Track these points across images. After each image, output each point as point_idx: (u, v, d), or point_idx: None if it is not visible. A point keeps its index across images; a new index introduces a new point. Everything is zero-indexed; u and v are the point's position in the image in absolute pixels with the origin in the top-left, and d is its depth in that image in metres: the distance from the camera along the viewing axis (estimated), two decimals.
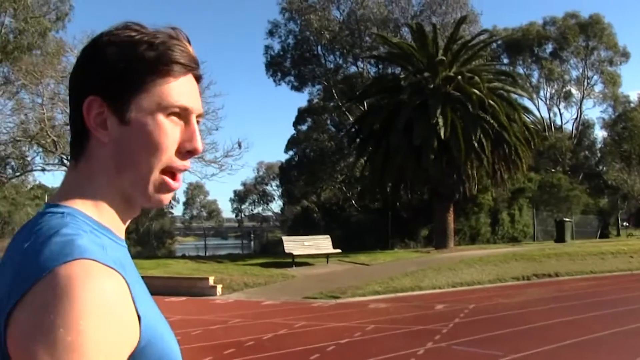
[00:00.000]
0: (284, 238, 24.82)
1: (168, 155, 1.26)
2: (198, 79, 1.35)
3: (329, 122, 46.66)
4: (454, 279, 20.13)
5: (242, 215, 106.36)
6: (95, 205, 1.25)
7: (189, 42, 1.33)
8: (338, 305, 15.87)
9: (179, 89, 1.27)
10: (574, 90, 62.11)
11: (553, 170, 54.68)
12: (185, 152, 1.29)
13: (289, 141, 48.80)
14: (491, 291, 18.33)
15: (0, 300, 1.07)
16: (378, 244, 33.85)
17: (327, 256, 24.13)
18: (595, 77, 61.17)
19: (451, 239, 30.23)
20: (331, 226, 40.33)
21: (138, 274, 1.25)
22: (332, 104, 44.43)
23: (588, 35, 58.04)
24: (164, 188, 1.29)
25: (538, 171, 50.12)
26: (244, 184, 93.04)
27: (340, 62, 44.92)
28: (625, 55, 60.77)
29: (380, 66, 40.80)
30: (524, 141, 29.21)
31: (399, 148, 26.75)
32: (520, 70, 61.28)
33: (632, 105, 60.68)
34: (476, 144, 26.30)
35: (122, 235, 1.31)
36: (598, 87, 62.10)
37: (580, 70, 60.91)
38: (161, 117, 1.24)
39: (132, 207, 1.32)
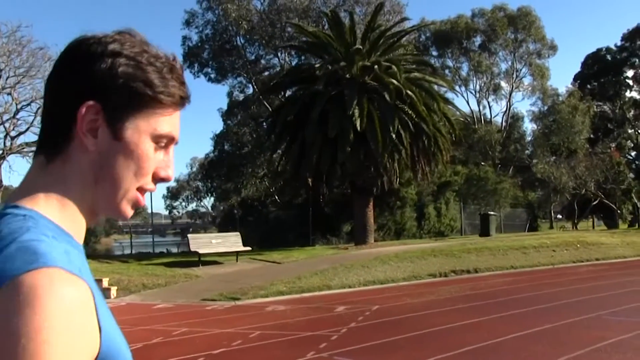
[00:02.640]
0: (190, 236, 23.59)
1: (147, 178, 1.26)
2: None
3: (242, 115, 45.28)
4: (366, 277, 19.18)
5: (176, 212, 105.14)
6: (60, 210, 1.20)
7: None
8: (234, 308, 14.88)
9: (172, 120, 1.28)
10: (503, 83, 62.11)
11: (483, 163, 54.40)
12: (159, 178, 1.29)
13: (216, 136, 47.31)
14: (403, 289, 17.50)
15: None
16: (298, 241, 32.73)
17: (236, 254, 22.88)
18: (524, 69, 61.40)
19: (371, 234, 29.20)
20: (251, 223, 39.26)
21: (94, 282, 1.15)
22: (253, 96, 43.05)
23: (517, 27, 58.10)
24: (135, 204, 1.29)
25: (467, 164, 49.71)
26: (177, 180, 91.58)
27: (261, 53, 43.64)
28: (553, 48, 61.04)
29: (303, 58, 39.47)
30: (444, 133, 28.29)
31: (315, 141, 25.60)
32: (450, 62, 61.09)
33: (560, 98, 60.72)
34: (394, 136, 25.27)
35: (81, 242, 1.26)
36: (527, 80, 62.27)
37: (509, 62, 60.95)
38: (151, 143, 1.25)
39: (95, 216, 1.29)
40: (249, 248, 23.48)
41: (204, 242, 22.83)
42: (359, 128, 24.68)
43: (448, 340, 10.26)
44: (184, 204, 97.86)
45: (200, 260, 21.81)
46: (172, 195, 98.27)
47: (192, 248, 22.13)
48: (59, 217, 1.19)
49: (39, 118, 27.23)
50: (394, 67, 26.06)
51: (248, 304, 15.45)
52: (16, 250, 1.05)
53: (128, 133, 1.22)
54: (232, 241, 23.34)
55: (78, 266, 1.09)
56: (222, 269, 21.58)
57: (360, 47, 27.34)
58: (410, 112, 26.14)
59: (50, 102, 1.25)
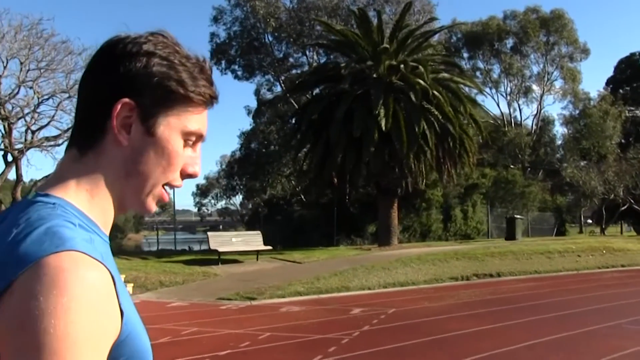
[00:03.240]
0: (209, 234, 23.36)
1: (175, 174, 1.33)
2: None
3: (271, 114, 44.94)
4: (386, 279, 18.91)
5: (205, 210, 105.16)
6: (89, 200, 1.26)
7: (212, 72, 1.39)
8: (249, 308, 14.67)
9: (201, 118, 1.34)
10: (534, 87, 61.32)
11: (512, 166, 53.81)
12: (187, 174, 1.35)
13: (243, 134, 47.12)
14: (423, 292, 17.21)
15: None
16: (322, 241, 32.44)
17: (257, 253, 22.70)
18: (556, 72, 60.38)
19: (395, 235, 28.89)
20: (277, 222, 39.07)
21: (117, 271, 1.21)
22: (280, 95, 42.77)
23: (549, 30, 57.23)
24: (160, 199, 1.34)
25: (495, 167, 49.18)
26: (206, 178, 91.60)
27: (289, 51, 43.38)
28: (585, 51, 60.05)
29: (331, 56, 39.12)
30: (471, 134, 27.92)
31: (339, 140, 25.32)
32: (480, 64, 60.50)
33: (592, 102, 59.92)
34: (420, 136, 24.94)
35: (107, 232, 1.32)
36: (558, 83, 61.35)
37: (541, 65, 60.12)
38: (181, 141, 1.31)
39: (122, 209, 1.34)
40: (269, 247, 23.26)
41: (224, 241, 22.63)
42: (384, 128, 24.40)
43: (460, 347, 9.99)
44: (213, 201, 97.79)
45: (219, 258, 21.63)
46: (202, 192, 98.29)
47: (212, 246, 21.96)
48: (87, 207, 1.25)
49: (60, 112, 27.33)
50: (420, 67, 25.74)
51: (263, 304, 15.25)
52: (43, 235, 1.10)
53: (160, 129, 1.28)
54: (252, 240, 23.16)
55: (101, 253, 1.14)
56: (242, 267, 21.41)
57: (387, 46, 27.01)
58: (436, 112, 25.81)
59: (85, 98, 1.31)
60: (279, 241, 34.41)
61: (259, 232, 24.12)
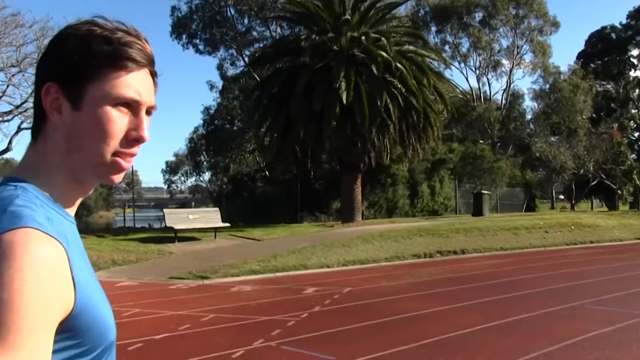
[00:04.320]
0: (165, 211, 22.62)
1: (115, 141, 1.34)
2: (153, 75, 1.43)
3: (236, 89, 43.86)
4: (346, 256, 18.36)
5: (175, 187, 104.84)
6: (47, 181, 1.34)
7: (147, 42, 1.42)
8: (199, 288, 14.08)
9: (129, 83, 1.35)
10: (504, 61, 60.93)
11: (481, 141, 53.47)
12: (132, 139, 1.37)
13: (206, 109, 46.14)
14: (382, 270, 16.72)
15: None
16: (285, 218, 31.75)
17: (215, 230, 22.02)
18: (526, 46, 60.19)
19: (359, 212, 28.26)
20: (241, 199, 38.43)
21: (83, 249, 1.34)
22: (243, 69, 41.76)
23: (519, 3, 56.77)
24: (115, 168, 1.37)
25: (464, 142, 48.76)
26: (175, 155, 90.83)
27: (252, 24, 42.43)
28: (556, 24, 59.85)
29: (295, 30, 38.20)
30: (435, 108, 27.27)
31: (299, 114, 24.58)
32: (449, 38, 60.00)
33: (562, 76, 59.61)
34: (382, 110, 24.27)
35: (72, 212, 1.40)
36: (528, 57, 61.02)
37: (510, 39, 59.69)
38: (109, 107, 1.33)
39: (83, 186, 1.41)
40: (227, 224, 22.58)
41: (181, 218, 21.96)
42: (345, 101, 23.71)
43: (411, 330, 9.39)
44: (182, 178, 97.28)
45: (176, 236, 20.94)
46: (171, 169, 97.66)
47: (168, 224, 21.29)
48: (47, 187, 1.33)
49: (10, 88, 26.35)
50: (383, 39, 25.03)
51: (215, 283, 14.68)
52: (2, 213, 1.18)
53: (85, 101, 1.32)
54: (210, 217, 22.48)
55: (58, 230, 1.21)
56: (199, 245, 20.75)
57: (349, 17, 26.29)
58: (399, 85, 25.15)
59: (35, 91, 1.40)
60: (242, 218, 33.79)
61: (217, 209, 23.48)
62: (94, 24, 1.36)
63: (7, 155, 32.54)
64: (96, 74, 1.32)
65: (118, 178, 1.40)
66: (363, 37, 25.36)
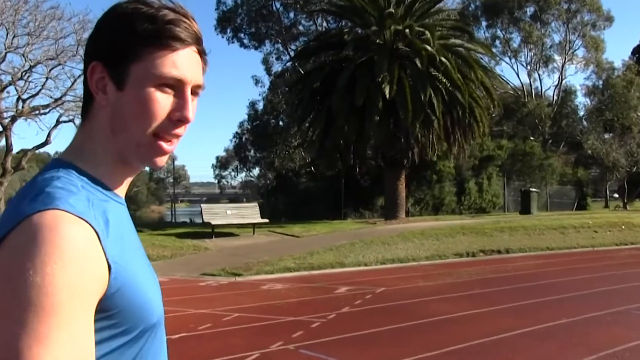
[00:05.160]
0: (203, 206, 22.42)
1: (158, 122, 1.34)
2: (201, 53, 1.41)
3: (281, 83, 43.32)
4: (385, 254, 17.94)
5: (225, 182, 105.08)
6: (93, 162, 1.36)
7: (194, 20, 1.40)
8: (229, 285, 13.85)
9: (174, 62, 1.33)
10: (556, 56, 59.64)
11: (532, 138, 52.39)
12: (176, 120, 1.36)
13: (251, 104, 45.86)
14: (421, 270, 16.22)
15: None
16: (329, 214, 31.31)
17: (253, 226, 21.70)
18: (578, 41, 58.66)
19: (402, 208, 27.67)
20: (285, 194, 38.12)
21: (131, 229, 1.37)
22: (288, 63, 41.42)
23: None
24: (158, 151, 1.37)
25: (514, 139, 47.80)
26: (226, 150, 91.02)
27: (299, 18, 42.02)
28: (609, 19, 58.29)
29: (341, 23, 37.68)
30: (481, 103, 26.54)
31: (341, 109, 24.06)
32: (500, 34, 58.95)
33: (616, 72, 58.13)
34: (426, 105, 23.66)
35: (122, 192, 1.42)
36: (580, 53, 59.58)
37: (562, 34, 58.38)
38: (153, 87, 1.32)
39: (130, 167, 1.42)
40: (266, 220, 22.23)
41: (219, 213, 21.72)
42: (387, 96, 23.12)
43: (440, 334, 8.91)
44: (233, 173, 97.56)
45: (213, 232, 20.68)
46: (221, 165, 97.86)
47: (205, 219, 21.08)
48: (92, 168, 1.34)
49: (50, 81, 26.29)
50: (427, 32, 24.40)
51: (247, 280, 14.43)
52: (39, 195, 1.19)
53: (128, 82, 1.32)
54: (248, 212, 22.25)
55: (98, 212, 1.22)
56: (235, 241, 20.47)
57: (392, 10, 25.64)
58: (444, 80, 24.48)
59: (83, 73, 1.40)
60: (285, 214, 33.46)
61: (255, 204, 23.35)
62: (140, 2, 1.35)
63: (45, 149, 32.49)
64: (140, 54, 1.31)
65: (161, 161, 1.39)
66: (407, 30, 24.75)
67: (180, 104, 1.35)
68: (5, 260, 1.10)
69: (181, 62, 1.34)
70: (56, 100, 25.73)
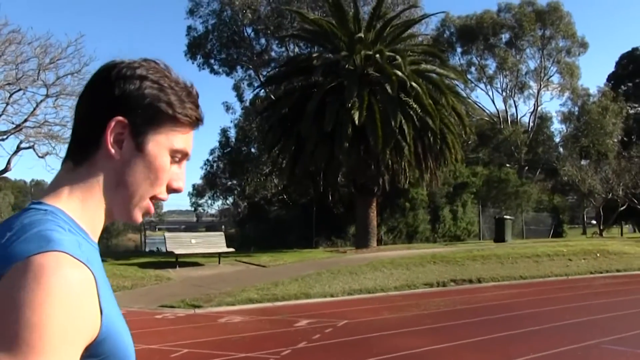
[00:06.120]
0: (167, 235, 21.88)
1: (161, 188, 1.41)
2: None
3: (252, 110, 42.79)
4: (352, 285, 17.28)
5: (201, 210, 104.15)
6: (80, 207, 1.34)
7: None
8: (187, 318, 13.19)
9: (187, 138, 1.44)
10: (531, 83, 59.67)
11: (508, 165, 52.23)
12: (172, 189, 1.44)
13: (221, 131, 45.25)
14: (388, 301, 15.61)
15: None
16: (300, 242, 30.70)
17: (219, 256, 21.09)
18: (553, 68, 58.76)
19: (374, 237, 27.15)
20: (256, 223, 37.54)
21: (105, 276, 1.31)
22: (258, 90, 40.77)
23: (545, 23, 55.58)
24: (145, 211, 1.42)
25: (489, 165, 47.56)
26: (203, 178, 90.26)
27: (269, 44, 41.64)
28: (584, 45, 58.42)
29: (314, 49, 37.29)
30: (453, 129, 26.13)
31: (310, 135, 23.59)
32: (475, 60, 58.96)
33: (592, 99, 58.19)
34: (397, 131, 23.22)
35: (96, 239, 1.39)
36: (556, 79, 59.66)
37: (538, 60, 58.45)
38: (168, 157, 1.40)
39: (110, 217, 1.42)
40: (232, 249, 21.66)
41: (183, 242, 21.11)
42: (357, 122, 22.69)
43: None
44: (209, 201, 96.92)
45: (177, 261, 20.04)
46: (197, 193, 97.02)
47: (169, 248, 20.50)
48: (78, 214, 1.33)
49: (14, 106, 25.59)
50: (398, 57, 24.02)
51: (206, 312, 13.76)
52: (33, 236, 1.17)
53: (149, 146, 1.37)
54: (214, 241, 21.65)
55: (87, 257, 1.20)
56: (200, 271, 19.84)
57: (362, 35, 25.29)
58: (415, 105, 24.10)
59: (82, 115, 1.41)
60: (256, 242, 32.81)
61: (221, 233, 22.75)
62: (161, 72, 1.41)
63: (6, 175, 31.66)
64: (166, 125, 1.37)
65: (140, 219, 1.42)
66: (377, 55, 24.38)
67: (179, 175, 1.43)
68: (1, 299, 1.08)
69: (190, 139, 1.44)
70: (17, 126, 25.03)
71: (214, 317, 13.21)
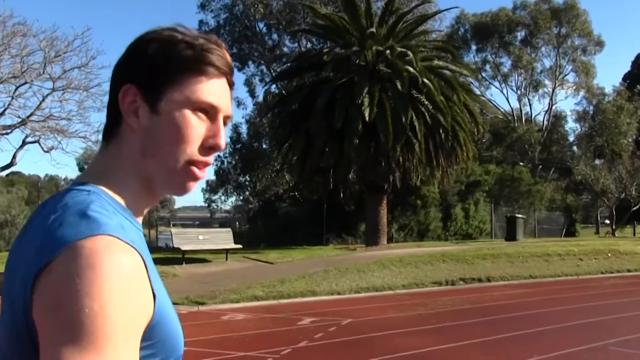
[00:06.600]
0: (173, 231, 21.72)
1: (192, 148, 1.32)
2: (231, 85, 1.41)
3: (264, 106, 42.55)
4: (359, 282, 17.13)
5: (215, 206, 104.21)
6: (119, 187, 1.31)
7: (227, 50, 1.40)
8: (190, 315, 13.04)
9: (210, 89, 1.33)
10: (546, 81, 59.31)
11: (521, 163, 51.90)
12: (208, 147, 1.34)
13: (233, 127, 45.07)
14: (394, 300, 15.46)
15: (27, 266, 1.13)
16: (310, 239, 30.49)
17: (226, 252, 20.94)
18: (568, 66, 58.36)
19: (384, 234, 26.89)
20: (266, 219, 37.39)
21: (151, 258, 1.28)
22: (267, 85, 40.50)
23: (561, 21, 55.20)
24: (190, 176, 1.34)
25: (503, 164, 47.27)
26: (216, 173, 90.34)
27: (282, 39, 41.43)
28: (600, 44, 58.07)
29: (326, 45, 37.00)
30: (465, 126, 25.85)
31: (319, 132, 23.38)
32: (490, 58, 58.63)
33: (607, 98, 57.73)
34: (407, 127, 22.98)
35: (140, 220, 1.37)
36: (571, 78, 59.28)
37: (553, 59, 58.05)
38: (189, 112, 1.31)
39: (153, 194, 1.39)
40: (239, 246, 21.45)
41: (189, 238, 20.90)
42: (367, 118, 22.44)
43: None
44: (223, 197, 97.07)
45: (184, 257, 19.90)
46: (211, 189, 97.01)
47: (175, 244, 20.28)
48: (118, 194, 1.30)
49: (19, 100, 25.51)
50: (410, 53, 23.77)
51: (210, 310, 13.65)
52: (80, 219, 1.14)
53: (165, 106, 1.30)
54: (221, 237, 21.44)
55: (132, 239, 1.17)
56: (206, 268, 19.68)
57: (374, 30, 25.02)
58: (426, 102, 23.84)
59: (109, 95, 1.38)
60: (266, 239, 32.64)
61: (229, 229, 22.49)
62: (175, 30, 1.35)
63: (19, 170, 31.60)
64: (178, 78, 1.30)
65: (191, 187, 1.36)
66: (388, 51, 24.13)
67: (213, 131, 1.34)
68: (56, 287, 1.06)
69: (216, 90, 1.34)
70: (22, 120, 24.92)
71: (217, 314, 13.09)
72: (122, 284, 1.07)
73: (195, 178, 1.34)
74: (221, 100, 1.35)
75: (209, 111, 1.33)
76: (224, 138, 1.35)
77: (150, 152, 1.31)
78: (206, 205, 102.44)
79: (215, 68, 1.34)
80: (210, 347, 9.82)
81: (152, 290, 1.16)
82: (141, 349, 1.13)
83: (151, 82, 1.31)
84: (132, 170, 1.32)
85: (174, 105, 1.30)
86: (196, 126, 1.31)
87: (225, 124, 1.38)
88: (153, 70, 1.31)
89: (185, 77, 1.31)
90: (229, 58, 1.38)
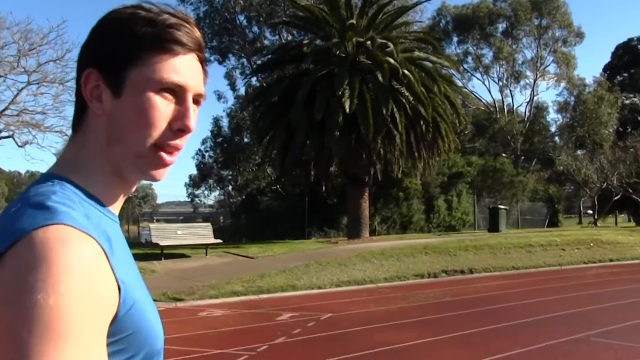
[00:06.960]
0: (151, 226, 21.58)
1: (158, 130, 1.26)
2: (202, 61, 1.33)
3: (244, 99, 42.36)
4: (340, 276, 16.93)
5: (198, 201, 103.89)
6: (87, 176, 1.26)
7: (196, 26, 1.33)
8: (167, 312, 12.74)
9: (174, 67, 1.26)
10: (528, 72, 59.48)
11: (504, 154, 51.98)
12: (177, 129, 1.28)
13: (214, 120, 44.76)
14: (376, 293, 15.30)
15: None
16: (292, 233, 30.32)
17: (206, 247, 20.72)
18: (549, 57, 58.58)
19: (366, 227, 26.74)
20: (248, 213, 37.19)
21: (127, 248, 1.26)
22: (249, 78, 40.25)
23: (541, 12, 55.29)
24: (158, 163, 1.28)
25: (484, 155, 47.31)
26: (198, 167, 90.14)
27: (263, 32, 41.23)
28: (580, 35, 58.34)
29: (307, 37, 36.78)
30: (446, 118, 25.71)
31: (300, 124, 23.19)
32: (471, 49, 58.70)
33: (587, 89, 57.97)
34: (388, 119, 22.82)
35: (116, 210, 1.33)
36: (552, 69, 59.46)
37: (534, 50, 58.22)
38: (152, 93, 1.24)
39: (126, 182, 1.33)
40: (219, 240, 21.23)
41: (168, 233, 20.69)
42: (348, 110, 22.26)
43: None
44: (206, 192, 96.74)
45: (162, 253, 19.65)
46: (194, 183, 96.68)
47: (154, 240, 20.05)
48: (87, 182, 1.24)
49: None
50: (390, 44, 23.59)
51: (187, 306, 13.40)
52: (36, 209, 1.09)
53: (126, 88, 1.23)
54: (200, 232, 21.19)
55: (99, 229, 1.12)
56: (185, 263, 19.45)
57: (354, 22, 24.86)
58: (407, 93, 23.67)
59: (75, 82, 1.33)
60: (247, 234, 32.44)
61: (208, 224, 22.30)
62: (138, 7, 1.28)
63: None
64: (138, 58, 1.23)
65: (161, 174, 1.29)
66: (369, 43, 23.94)
67: (181, 112, 1.26)
68: (7, 281, 1.00)
69: (182, 68, 1.25)
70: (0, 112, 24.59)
71: (195, 310, 12.87)
72: (78, 275, 1.01)
73: (164, 164, 1.28)
74: (189, 79, 1.26)
75: (176, 91, 1.25)
76: (193, 119, 1.28)
77: (116, 138, 1.25)
78: (189, 200, 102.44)
79: (180, 45, 1.25)
80: (186, 344, 9.60)
81: (116, 280, 1.09)
82: (109, 344, 1.08)
83: (111, 64, 1.24)
84: (100, 158, 1.27)
85: (136, 88, 1.23)
86: (161, 108, 1.24)
87: (197, 103, 1.31)
88: (112, 51, 1.24)
89: (147, 56, 1.23)
90: (197, 33, 1.30)
